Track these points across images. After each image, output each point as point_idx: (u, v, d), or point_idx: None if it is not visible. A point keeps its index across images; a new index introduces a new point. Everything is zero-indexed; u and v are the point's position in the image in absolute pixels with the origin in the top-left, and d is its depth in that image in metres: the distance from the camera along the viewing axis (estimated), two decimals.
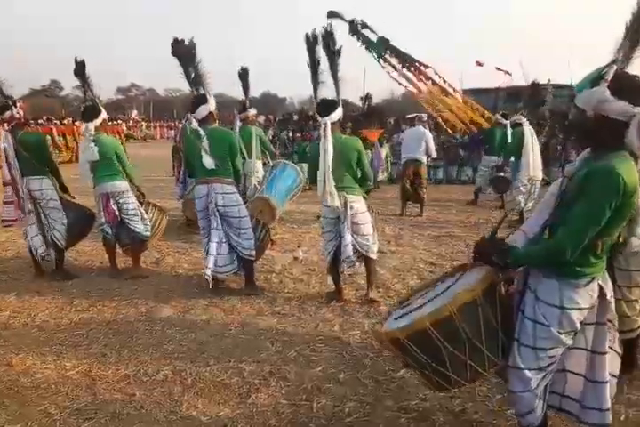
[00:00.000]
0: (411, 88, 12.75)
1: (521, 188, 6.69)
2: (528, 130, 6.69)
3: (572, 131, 1.88)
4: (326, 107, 3.70)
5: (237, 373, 2.86)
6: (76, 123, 18.25)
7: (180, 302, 3.98)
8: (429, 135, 7.85)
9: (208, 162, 3.86)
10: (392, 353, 2.17)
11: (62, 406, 2.55)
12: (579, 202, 1.70)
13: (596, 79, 1.68)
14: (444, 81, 15.05)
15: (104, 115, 4.53)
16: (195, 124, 3.91)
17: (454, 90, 15.70)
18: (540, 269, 1.88)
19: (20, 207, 4.35)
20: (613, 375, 1.94)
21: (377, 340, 2.23)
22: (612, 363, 1.92)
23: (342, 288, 4.07)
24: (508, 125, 7.87)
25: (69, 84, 48.20)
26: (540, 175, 6.84)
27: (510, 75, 13.63)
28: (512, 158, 6.98)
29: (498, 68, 13.99)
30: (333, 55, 3.71)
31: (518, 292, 1.99)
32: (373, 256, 3.95)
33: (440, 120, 9.09)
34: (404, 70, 14.27)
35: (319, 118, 3.68)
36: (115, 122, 21.92)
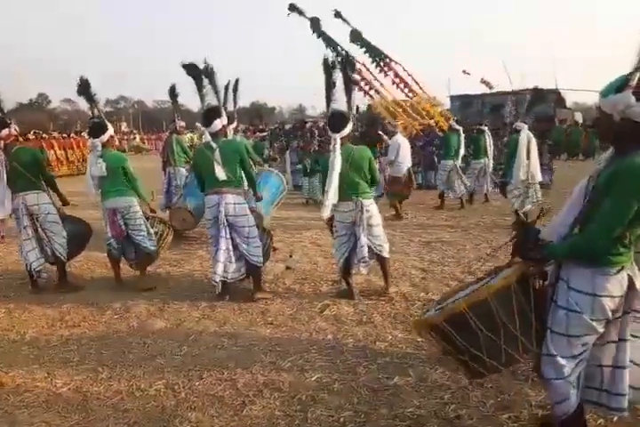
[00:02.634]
0: (372, 93, 12.91)
1: (514, 191, 6.91)
2: (525, 136, 6.83)
3: (601, 132, 1.98)
4: (338, 123, 3.99)
5: (231, 385, 2.85)
6: (73, 136, 18.25)
7: (172, 314, 3.96)
8: None
9: (221, 173, 4.02)
10: (432, 341, 2.26)
11: (54, 424, 2.52)
12: (607, 198, 1.81)
13: (621, 86, 1.80)
14: (412, 78, 15.28)
15: (111, 131, 4.61)
16: (208, 138, 4.12)
17: (420, 87, 15.86)
18: (572, 260, 1.96)
19: None
20: (635, 363, 2.00)
21: (417, 330, 2.32)
22: (635, 351, 1.98)
23: (354, 289, 4.27)
24: (461, 131, 8.68)
25: (57, 98, 48.14)
26: (538, 178, 6.98)
27: (493, 88, 13.98)
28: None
29: (483, 80, 14.32)
30: (350, 79, 4.14)
31: (551, 285, 2.07)
32: (386, 255, 4.26)
33: (398, 125, 9.44)
34: (366, 71, 14.16)
35: (330, 133, 4.01)
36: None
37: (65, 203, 4.75)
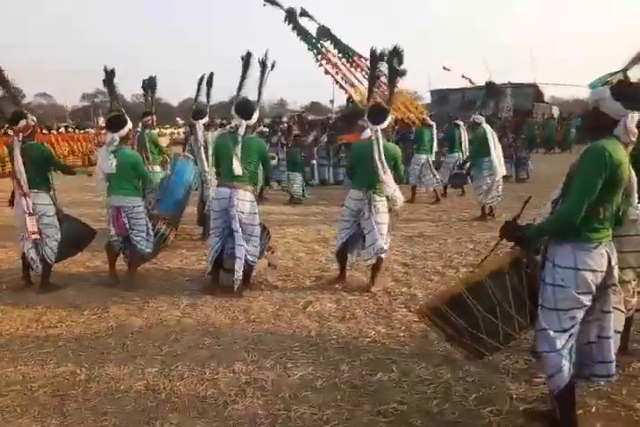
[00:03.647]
0: (346, 86, 13.07)
1: (483, 186, 7.02)
2: (489, 130, 6.98)
3: (582, 123, 2.34)
4: (379, 115, 4.11)
5: (213, 385, 2.81)
6: (53, 132, 17.78)
7: (152, 314, 3.89)
8: None
9: (237, 168, 4.01)
10: (434, 326, 2.34)
11: None
12: (576, 176, 2.03)
13: (605, 81, 2.03)
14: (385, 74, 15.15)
15: (130, 125, 4.48)
16: (241, 130, 4.09)
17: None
18: (555, 238, 2.13)
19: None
20: (617, 331, 2.18)
21: (419, 316, 2.43)
22: (616, 321, 2.15)
23: (346, 274, 4.47)
24: (434, 126, 8.87)
25: (31, 92, 46.91)
26: (503, 172, 7.21)
27: (474, 83, 14.18)
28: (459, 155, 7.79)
29: (463, 76, 14.52)
30: (396, 72, 4.27)
31: (541, 268, 2.22)
32: (384, 255, 4.33)
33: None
34: (341, 65, 14.39)
35: (371, 125, 4.10)
36: (84, 131, 21.43)
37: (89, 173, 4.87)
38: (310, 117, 15.10)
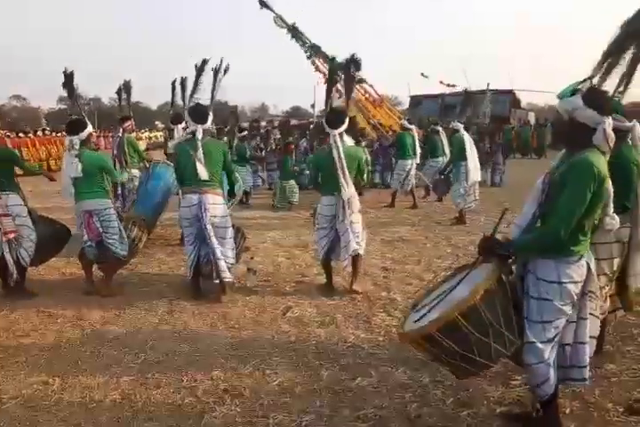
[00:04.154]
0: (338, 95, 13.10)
1: (461, 190, 7.17)
2: (467, 136, 7.16)
3: (554, 131, 2.28)
4: (337, 119, 4.16)
5: (190, 393, 2.77)
6: (30, 136, 17.38)
7: (128, 321, 3.82)
8: None
9: (202, 173, 3.99)
10: (420, 350, 2.29)
11: None
12: (564, 191, 2.00)
13: (575, 90, 2.04)
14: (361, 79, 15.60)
15: (90, 128, 4.42)
16: (199, 135, 4.08)
17: (366, 90, 16.36)
18: (538, 253, 2.13)
19: None
20: (593, 337, 2.24)
21: (405, 341, 2.33)
22: (592, 327, 2.21)
23: (333, 282, 4.44)
24: (415, 129, 8.86)
25: (5, 95, 45.88)
26: (478, 177, 7.40)
27: (454, 86, 14.45)
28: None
29: (441, 82, 14.78)
30: (353, 79, 4.37)
31: (520, 277, 2.24)
32: (362, 252, 4.37)
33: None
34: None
35: (328, 129, 4.14)
36: (61, 134, 21.00)
37: (50, 178, 4.78)
38: (293, 122, 15.12)
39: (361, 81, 4.39)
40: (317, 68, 14.79)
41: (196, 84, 4.65)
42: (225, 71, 4.58)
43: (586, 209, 2.00)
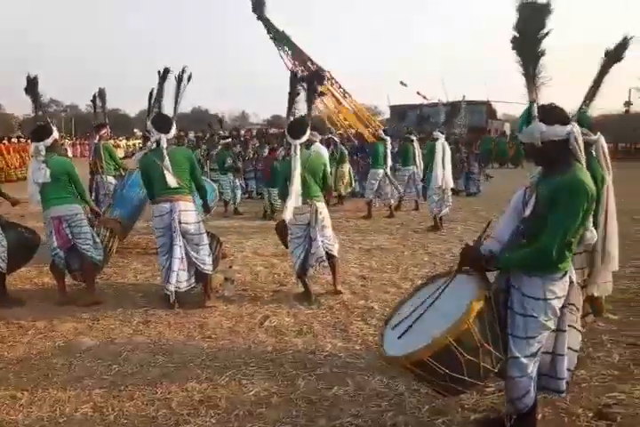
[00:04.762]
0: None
1: (433, 196, 7.35)
2: (440, 144, 7.35)
3: (531, 157, 2.22)
4: (298, 129, 4.25)
5: (164, 404, 2.73)
6: (23, 140, 16.99)
7: (101, 332, 3.75)
8: None
9: (171, 181, 4.02)
10: (407, 373, 2.26)
11: None
12: (556, 210, 2.01)
13: (527, 118, 2.10)
14: (339, 86, 16.06)
15: (56, 134, 4.36)
16: (163, 144, 4.09)
17: (346, 96, 16.68)
18: (524, 270, 2.14)
19: None
20: (573, 349, 2.27)
21: (393, 365, 2.30)
22: (571, 339, 2.25)
23: (311, 290, 4.45)
24: (388, 140, 8.95)
25: None
26: (451, 184, 7.59)
27: (428, 99, 14.81)
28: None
29: (418, 93, 15.11)
30: (314, 93, 4.49)
31: (502, 291, 2.25)
32: (336, 254, 4.52)
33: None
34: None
35: (290, 140, 4.24)
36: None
37: (13, 203, 4.63)
38: (272, 131, 15.16)
39: (322, 94, 4.55)
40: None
41: (160, 93, 4.61)
42: (188, 79, 4.54)
43: (576, 229, 2.03)
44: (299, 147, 4.22)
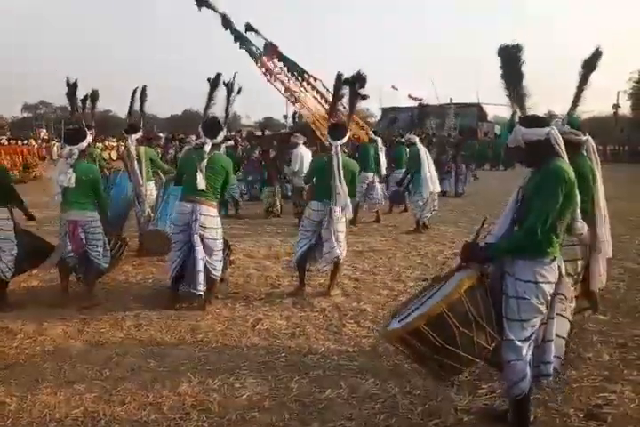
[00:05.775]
0: (292, 99, 13.48)
1: (419, 201, 7.38)
2: (423, 149, 7.49)
3: (521, 160, 2.47)
4: (340, 132, 4.43)
5: (156, 409, 2.70)
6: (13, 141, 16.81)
7: (92, 336, 3.71)
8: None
9: (201, 183, 4.05)
10: (404, 347, 2.32)
11: None
12: (538, 195, 2.23)
13: (510, 125, 2.39)
14: (323, 85, 15.97)
15: (89, 139, 4.37)
16: (207, 148, 4.16)
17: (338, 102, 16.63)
18: (515, 254, 2.29)
19: None
20: (561, 337, 2.39)
21: (390, 339, 2.39)
22: (559, 326, 2.37)
23: (305, 284, 4.64)
24: (379, 142, 8.87)
25: None
26: (437, 188, 7.66)
27: (421, 100, 14.90)
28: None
29: (410, 96, 15.21)
30: (357, 96, 4.56)
31: (497, 279, 2.37)
32: (342, 260, 4.65)
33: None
34: (288, 80, 14.94)
35: (331, 141, 4.40)
36: (23, 143, 20.41)
37: (30, 218, 4.57)
38: (258, 133, 15.09)
39: (365, 97, 4.61)
40: (266, 68, 15.05)
41: (210, 98, 4.61)
42: (239, 91, 4.75)
43: (558, 211, 2.20)
44: (339, 147, 4.39)
